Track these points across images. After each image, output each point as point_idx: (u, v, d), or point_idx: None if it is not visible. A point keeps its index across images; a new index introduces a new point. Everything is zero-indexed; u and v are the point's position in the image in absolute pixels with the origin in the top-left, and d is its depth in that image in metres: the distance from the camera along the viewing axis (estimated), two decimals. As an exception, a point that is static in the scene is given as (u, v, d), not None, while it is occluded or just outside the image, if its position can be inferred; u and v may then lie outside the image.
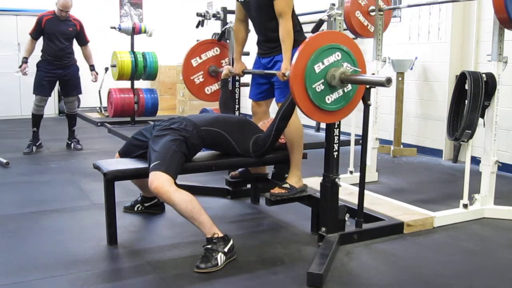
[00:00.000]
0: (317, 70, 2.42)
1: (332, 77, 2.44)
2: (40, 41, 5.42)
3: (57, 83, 5.58)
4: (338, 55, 2.48)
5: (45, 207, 3.50)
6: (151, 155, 2.69)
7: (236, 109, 3.92)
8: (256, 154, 2.94)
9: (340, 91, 2.52)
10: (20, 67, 5.41)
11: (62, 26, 5.37)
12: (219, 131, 2.92)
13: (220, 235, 2.54)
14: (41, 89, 5.41)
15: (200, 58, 3.92)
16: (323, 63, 2.44)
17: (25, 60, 5.41)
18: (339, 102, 2.54)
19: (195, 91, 3.98)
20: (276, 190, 2.98)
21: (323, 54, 2.43)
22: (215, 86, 3.98)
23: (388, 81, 2.30)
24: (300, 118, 3.04)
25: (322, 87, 2.45)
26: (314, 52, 2.40)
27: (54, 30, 5.32)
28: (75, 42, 5.60)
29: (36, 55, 5.49)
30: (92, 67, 5.71)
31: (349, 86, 2.54)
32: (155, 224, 3.22)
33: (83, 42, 5.63)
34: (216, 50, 3.97)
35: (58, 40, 5.34)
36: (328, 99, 2.49)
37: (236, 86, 3.89)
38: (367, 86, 2.66)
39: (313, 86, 2.42)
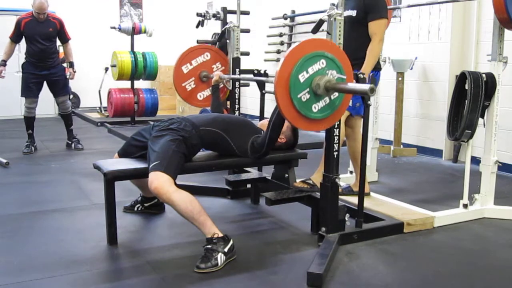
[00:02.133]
0: (301, 80, 2.37)
1: (317, 86, 2.40)
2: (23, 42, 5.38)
3: (45, 83, 5.50)
4: (322, 63, 2.43)
5: (45, 207, 3.50)
6: (150, 155, 2.69)
7: (236, 109, 3.92)
8: (253, 156, 2.94)
9: (327, 98, 2.48)
10: None
11: (41, 27, 5.31)
12: (218, 131, 2.92)
13: (220, 235, 2.54)
14: (28, 91, 5.39)
15: (191, 64, 3.91)
16: (307, 72, 2.39)
17: (3, 63, 5.36)
18: (325, 110, 2.49)
19: (187, 97, 3.97)
20: (299, 184, 3.01)
21: (308, 63, 2.38)
22: (207, 92, 3.96)
23: (371, 90, 2.26)
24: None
25: (308, 96, 2.41)
26: (298, 61, 2.35)
27: (34, 32, 5.27)
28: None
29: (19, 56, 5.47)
30: (70, 64, 5.57)
31: (336, 94, 2.50)
32: (155, 224, 3.22)
33: (64, 39, 5.55)
34: (207, 55, 3.95)
35: (39, 42, 5.29)
36: (315, 107, 2.45)
37: (236, 86, 3.89)
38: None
39: (299, 96, 2.38)
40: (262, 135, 2.93)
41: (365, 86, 2.30)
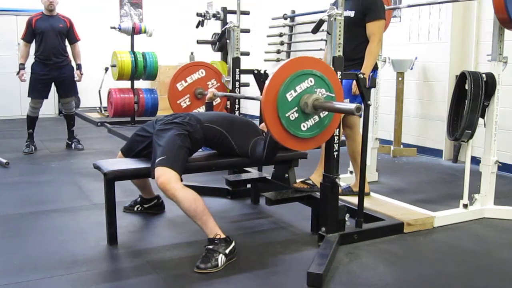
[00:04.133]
0: (289, 98, 2.38)
1: (305, 105, 2.41)
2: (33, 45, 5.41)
3: (53, 84, 5.51)
4: (311, 81, 2.43)
5: (45, 207, 3.50)
6: (156, 149, 2.68)
7: (236, 109, 3.92)
8: (252, 159, 2.96)
9: (316, 117, 2.48)
10: (17, 73, 5.38)
11: (52, 22, 5.35)
12: (221, 130, 2.91)
13: (222, 236, 2.53)
14: (36, 92, 5.39)
15: (186, 81, 3.92)
16: (295, 91, 2.39)
17: (22, 67, 5.38)
18: (314, 129, 2.50)
19: None
20: (299, 185, 3.01)
21: (295, 81, 2.38)
22: (203, 109, 3.97)
23: (358, 109, 2.28)
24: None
25: (296, 115, 2.41)
26: (285, 80, 2.35)
27: (44, 27, 5.30)
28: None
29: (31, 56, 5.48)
30: (78, 66, 5.59)
31: (325, 112, 2.50)
32: (155, 224, 3.22)
33: (73, 39, 5.57)
34: (202, 72, 3.95)
35: (49, 37, 5.30)
36: (304, 126, 2.46)
37: (236, 86, 3.89)
38: (366, 83, 2.66)
39: (287, 115, 2.38)
40: (262, 143, 2.89)
41: (351, 106, 2.30)
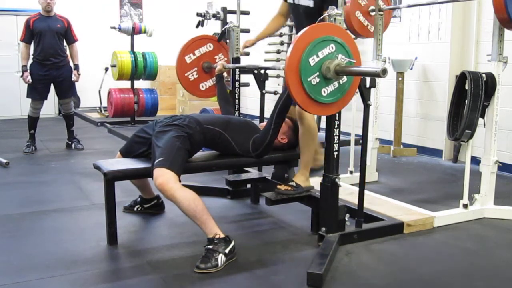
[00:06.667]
0: (312, 63, 2.40)
1: (327, 70, 2.42)
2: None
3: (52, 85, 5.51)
4: (332, 47, 2.45)
5: (45, 207, 3.50)
6: (155, 151, 2.69)
7: (236, 109, 3.91)
8: (256, 152, 2.94)
9: (336, 83, 2.50)
10: (21, 76, 5.39)
11: (49, 22, 5.35)
12: (220, 130, 2.92)
13: (222, 236, 2.53)
14: (35, 93, 5.39)
15: (194, 54, 3.94)
16: (317, 56, 2.41)
17: (25, 68, 5.38)
18: (335, 94, 2.51)
19: (189, 87, 4.00)
20: (282, 187, 2.99)
21: (317, 47, 2.41)
22: (210, 82, 4.00)
23: (384, 71, 2.24)
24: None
25: (318, 79, 2.43)
26: (308, 45, 2.38)
27: (42, 27, 5.30)
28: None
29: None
30: (75, 67, 5.57)
31: (345, 78, 2.52)
32: (155, 224, 3.22)
33: (71, 40, 5.57)
34: (209, 46, 3.98)
35: (47, 37, 5.30)
36: (324, 91, 2.47)
37: (236, 86, 3.89)
38: (366, 83, 2.65)
39: (309, 79, 2.40)
40: (266, 124, 2.91)
41: (377, 68, 2.29)
